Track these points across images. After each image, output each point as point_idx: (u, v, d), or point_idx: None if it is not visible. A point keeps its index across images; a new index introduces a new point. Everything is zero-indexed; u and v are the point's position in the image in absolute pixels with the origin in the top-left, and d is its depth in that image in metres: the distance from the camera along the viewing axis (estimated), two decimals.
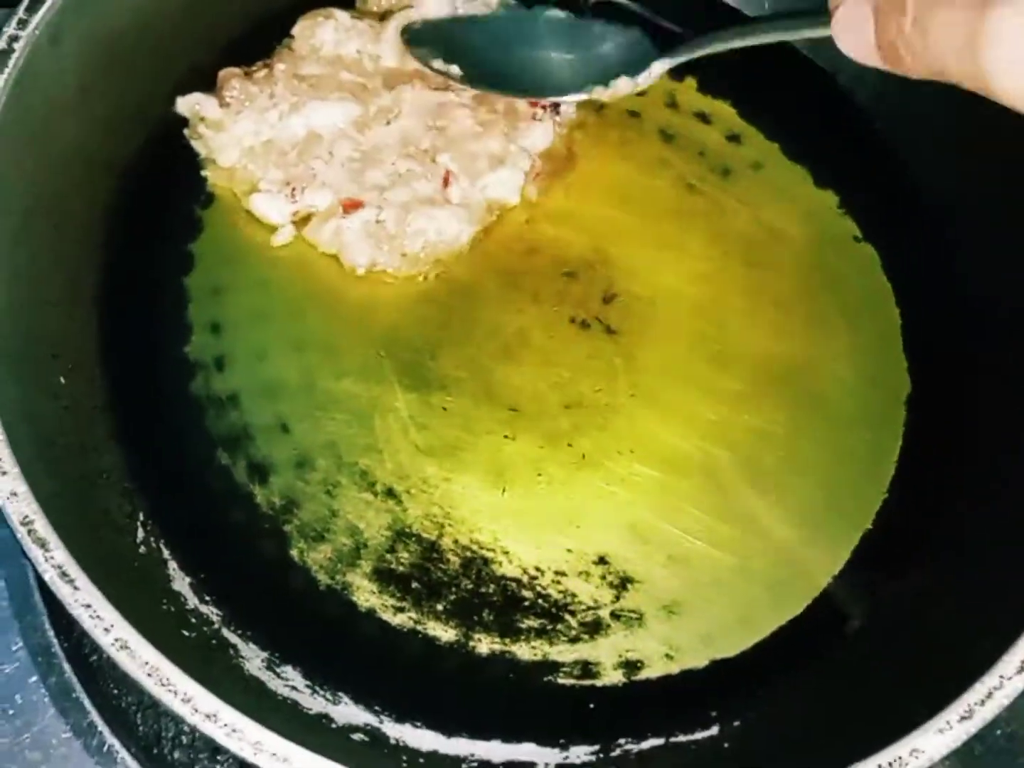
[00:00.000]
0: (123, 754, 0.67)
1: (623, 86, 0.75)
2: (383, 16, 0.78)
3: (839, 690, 0.64)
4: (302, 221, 0.75)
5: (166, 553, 0.65)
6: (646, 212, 0.78)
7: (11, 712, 0.67)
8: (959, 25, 0.48)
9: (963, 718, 0.54)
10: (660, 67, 0.75)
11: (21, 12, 0.65)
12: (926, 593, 0.67)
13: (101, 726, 0.67)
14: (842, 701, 0.64)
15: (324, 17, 0.77)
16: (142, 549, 0.65)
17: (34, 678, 0.68)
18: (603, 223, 0.77)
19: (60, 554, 0.54)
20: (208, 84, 0.76)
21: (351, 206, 0.74)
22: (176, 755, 0.66)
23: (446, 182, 0.74)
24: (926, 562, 0.68)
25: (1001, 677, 0.55)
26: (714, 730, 0.64)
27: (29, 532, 0.54)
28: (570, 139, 0.79)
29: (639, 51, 0.76)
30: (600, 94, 0.76)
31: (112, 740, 0.67)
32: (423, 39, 0.77)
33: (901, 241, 0.78)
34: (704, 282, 0.76)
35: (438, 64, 0.76)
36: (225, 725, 0.52)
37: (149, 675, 0.52)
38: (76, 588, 0.53)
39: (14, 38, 0.65)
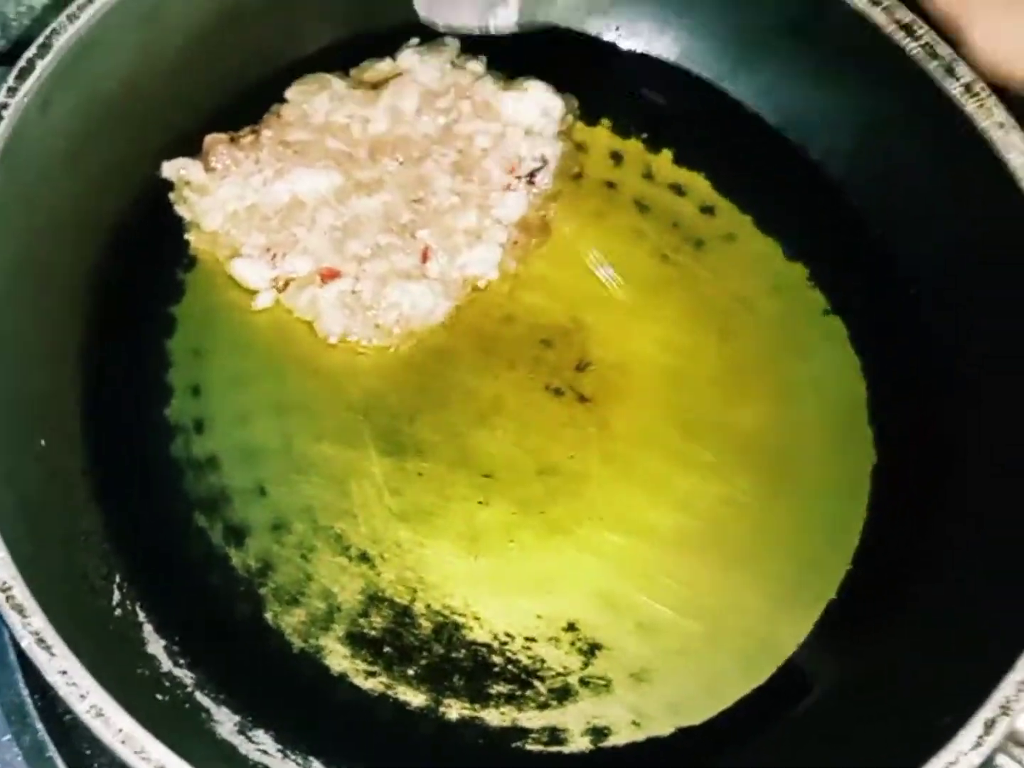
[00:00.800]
0: None
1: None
2: (376, 86, 0.79)
3: (804, 756, 0.65)
4: (283, 286, 0.76)
5: (141, 616, 0.66)
6: (621, 282, 0.79)
7: None
8: None
9: None
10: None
11: (11, 80, 0.67)
12: (889, 661, 0.68)
13: None
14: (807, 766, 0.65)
15: (320, 85, 0.78)
16: (118, 612, 0.66)
17: (7, 736, 0.69)
18: (579, 292, 0.78)
19: (37, 620, 0.55)
20: (194, 149, 0.78)
21: (329, 276, 0.75)
22: None
23: (425, 257, 0.76)
24: (890, 631, 0.69)
25: (958, 752, 0.56)
26: None
27: (7, 599, 0.55)
28: (545, 208, 0.80)
29: None
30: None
31: None
32: None
33: (869, 314, 0.79)
34: (677, 351, 0.77)
35: None
36: None
37: (123, 743, 0.53)
38: (53, 655, 0.54)
39: (3, 105, 0.66)
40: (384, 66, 0.82)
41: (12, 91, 0.66)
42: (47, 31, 0.68)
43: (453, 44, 0.83)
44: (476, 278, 0.77)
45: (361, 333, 0.75)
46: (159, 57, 0.75)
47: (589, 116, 0.83)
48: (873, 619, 0.70)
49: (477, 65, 0.82)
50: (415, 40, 0.83)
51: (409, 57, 0.82)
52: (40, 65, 0.67)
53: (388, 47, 0.83)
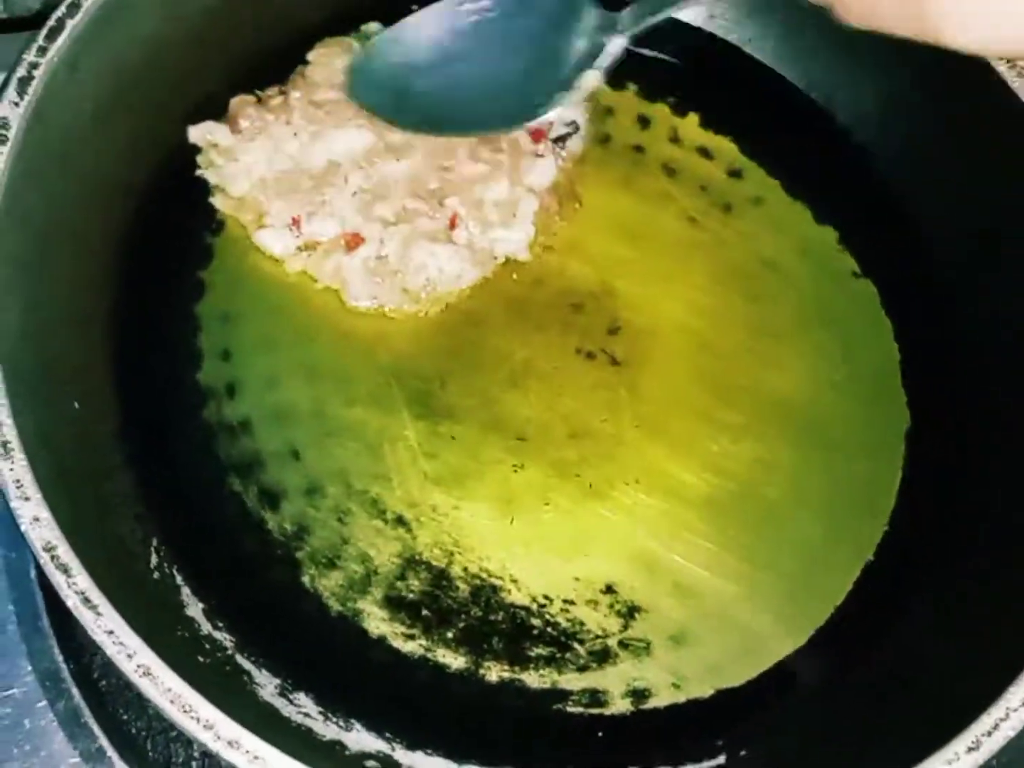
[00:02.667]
0: None
1: (590, 81, 0.73)
2: None
3: (847, 718, 0.65)
4: (310, 249, 0.75)
5: (179, 579, 0.66)
6: (650, 245, 0.79)
7: (19, 738, 0.67)
8: None
9: (970, 749, 0.55)
10: (616, 47, 0.72)
11: (41, 39, 0.66)
12: (929, 625, 0.68)
13: (111, 752, 0.67)
14: (850, 729, 0.65)
15: (342, 49, 0.78)
16: (156, 575, 0.65)
17: (42, 703, 0.68)
18: (608, 256, 0.78)
19: (83, 580, 0.54)
20: (221, 111, 0.77)
21: (354, 242, 0.74)
22: None
23: (453, 224, 0.75)
24: (928, 594, 0.69)
25: (1007, 709, 0.56)
26: (721, 759, 0.65)
27: (52, 558, 0.54)
28: (574, 173, 0.80)
29: (591, 32, 0.73)
30: (570, 100, 0.74)
31: (121, 765, 0.67)
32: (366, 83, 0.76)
33: (900, 277, 0.79)
34: (706, 315, 0.77)
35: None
36: (247, 752, 0.52)
37: (172, 702, 0.53)
38: (99, 614, 0.54)
39: (34, 65, 0.65)
40: None
41: (42, 50, 0.65)
42: None
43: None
44: (507, 255, 0.76)
45: (389, 299, 0.75)
46: (184, 19, 0.75)
47: (615, 80, 0.82)
48: (912, 581, 0.70)
49: None
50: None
51: None
52: (69, 24, 0.66)
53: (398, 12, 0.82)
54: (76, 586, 0.54)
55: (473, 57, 0.75)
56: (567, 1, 0.73)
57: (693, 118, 0.83)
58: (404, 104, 0.75)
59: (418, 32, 0.75)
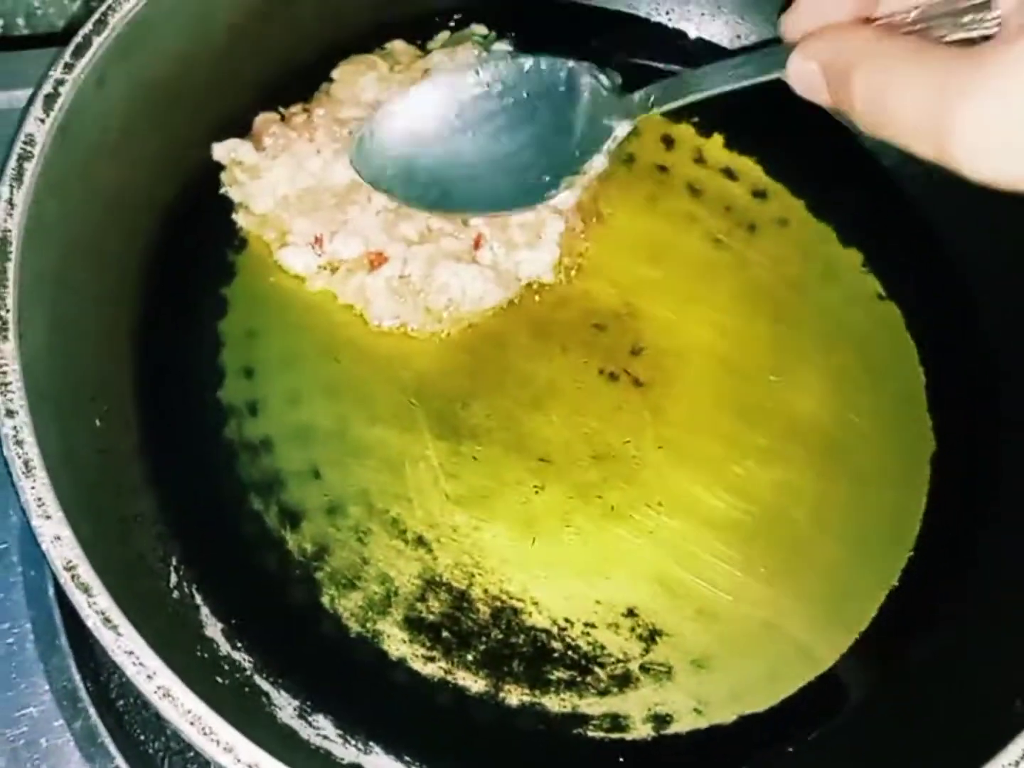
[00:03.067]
0: None
1: (597, 165, 0.74)
2: (425, 70, 0.79)
3: (873, 746, 0.64)
4: (333, 270, 0.75)
5: (198, 598, 0.65)
6: (674, 266, 0.78)
7: (36, 757, 0.67)
8: (923, 109, 0.48)
9: None
10: (623, 130, 0.73)
11: (67, 56, 0.66)
12: (955, 649, 0.67)
13: None
14: (877, 755, 0.64)
15: (367, 66, 0.78)
16: (175, 594, 0.65)
17: (59, 722, 0.68)
18: (631, 276, 0.78)
19: (103, 600, 0.54)
20: (245, 129, 0.77)
21: (377, 261, 0.74)
22: None
23: (477, 244, 0.75)
24: (954, 618, 0.68)
25: None
26: None
27: (73, 577, 0.54)
28: (598, 192, 0.79)
29: (599, 114, 0.73)
30: (579, 184, 0.75)
31: None
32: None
33: (925, 300, 0.79)
34: (731, 337, 0.77)
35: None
36: None
37: (191, 724, 0.52)
38: (119, 634, 0.53)
39: (60, 82, 0.65)
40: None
41: (69, 67, 0.65)
42: (103, 7, 0.67)
43: (481, 31, 0.82)
44: (532, 279, 0.76)
45: (412, 318, 0.74)
46: (210, 37, 0.75)
47: None
48: (936, 606, 0.69)
49: (507, 47, 0.82)
50: (444, 34, 0.83)
51: (438, 57, 0.81)
52: (96, 41, 0.66)
53: (422, 31, 0.84)
54: (96, 606, 0.54)
55: (479, 133, 0.74)
56: (574, 81, 0.74)
57: (717, 139, 0.83)
58: (408, 180, 0.74)
59: (422, 105, 0.75)
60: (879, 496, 0.72)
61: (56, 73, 0.65)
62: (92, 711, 0.68)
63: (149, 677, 0.53)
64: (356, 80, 0.78)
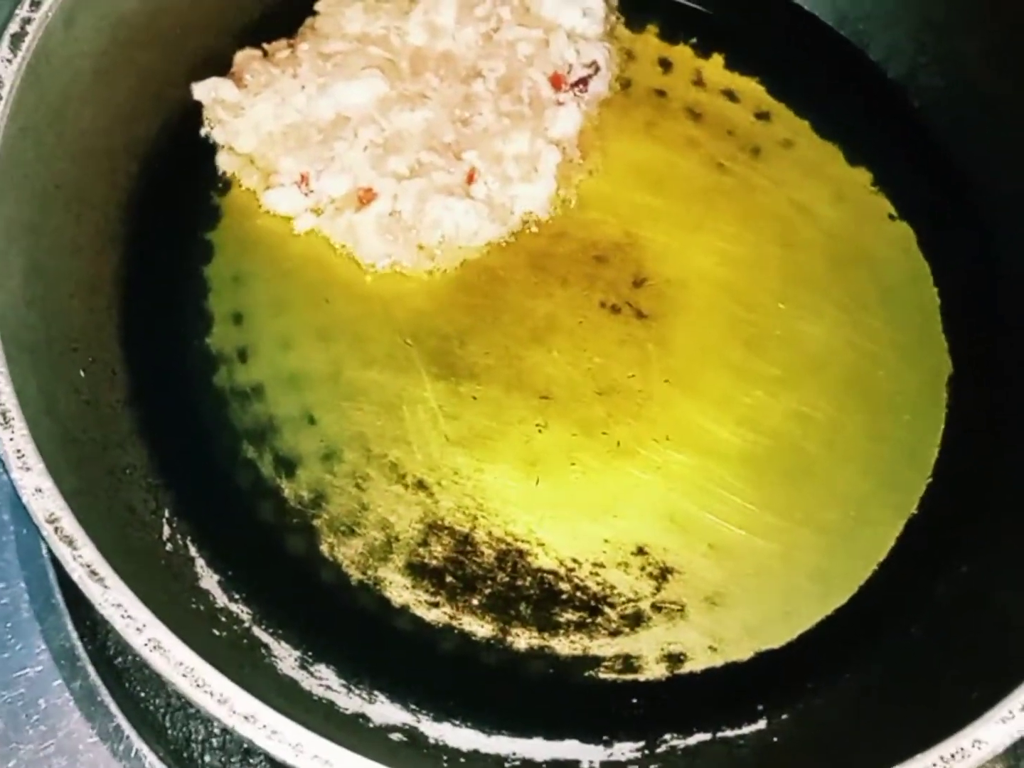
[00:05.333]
0: (151, 759, 0.65)
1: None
2: None
3: (892, 680, 0.62)
4: (320, 208, 0.73)
5: (193, 550, 0.64)
6: (675, 193, 0.76)
7: (35, 717, 0.65)
8: None
9: None
10: None
11: None
12: (976, 579, 0.65)
13: (128, 730, 0.65)
14: (896, 691, 0.62)
15: None
16: (168, 546, 0.63)
17: (58, 681, 0.66)
18: (632, 205, 0.75)
19: (88, 552, 0.52)
20: (224, 68, 0.74)
21: (366, 197, 0.71)
22: (206, 759, 0.64)
23: (471, 179, 0.72)
24: (974, 547, 0.66)
25: None
26: (761, 724, 0.62)
27: (56, 530, 0.52)
28: (596, 120, 0.76)
29: None
30: None
31: (140, 744, 0.65)
32: None
33: (937, 218, 0.76)
34: (737, 264, 0.74)
35: None
36: (264, 727, 0.50)
37: (184, 676, 0.50)
38: (106, 587, 0.51)
39: (27, 20, 0.62)
40: None
41: (35, 5, 0.63)
42: None
43: None
44: (528, 213, 0.73)
45: (404, 256, 0.72)
46: None
47: (634, 22, 0.79)
48: (956, 535, 0.67)
49: None
50: None
51: None
52: None
53: None
54: (81, 558, 0.52)
55: None
56: None
57: (717, 59, 0.79)
58: None
59: None
60: (895, 422, 0.70)
61: (23, 11, 0.63)
62: (91, 670, 0.66)
63: (138, 630, 0.51)
64: (341, 11, 0.75)
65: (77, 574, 0.52)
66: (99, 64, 0.67)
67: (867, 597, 0.65)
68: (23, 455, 0.53)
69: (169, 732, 0.65)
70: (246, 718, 0.50)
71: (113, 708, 0.66)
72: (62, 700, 0.66)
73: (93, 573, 0.51)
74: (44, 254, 0.63)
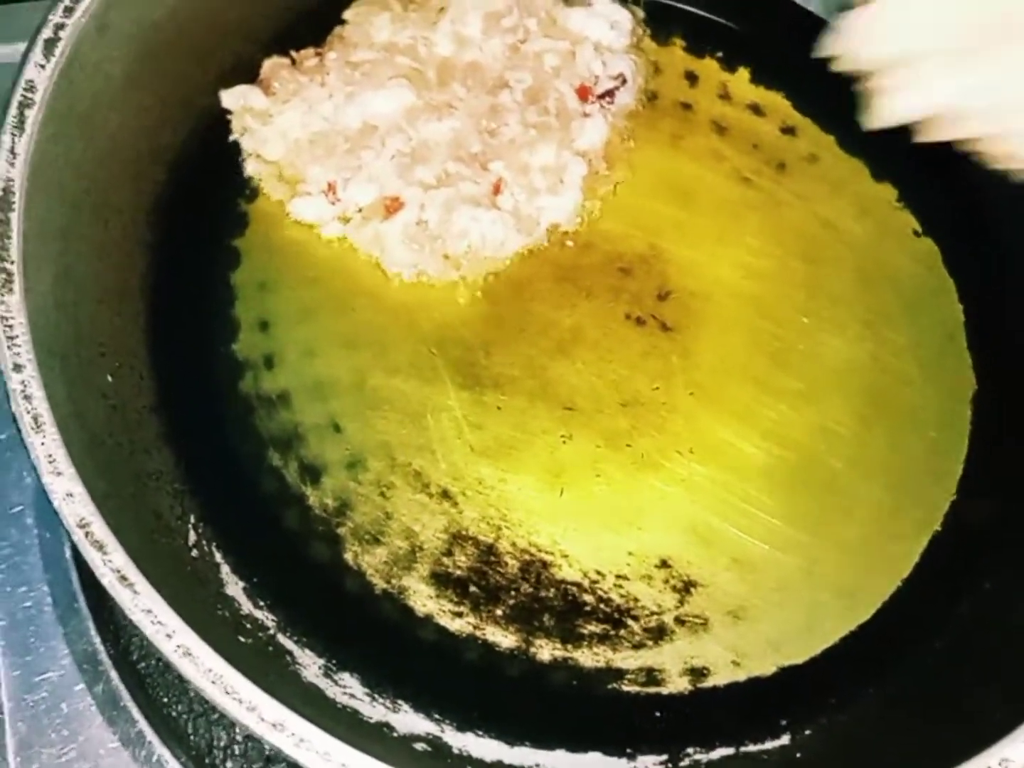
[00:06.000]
0: (173, 764, 0.65)
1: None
2: (441, 8, 0.76)
3: (916, 696, 0.62)
4: (348, 215, 0.73)
5: (218, 556, 0.64)
6: (701, 206, 0.76)
7: (57, 722, 0.65)
8: None
9: None
10: None
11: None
12: (1000, 595, 0.65)
13: (150, 736, 0.65)
14: (920, 707, 0.62)
15: (380, 7, 0.75)
16: (194, 552, 0.63)
17: (80, 686, 0.66)
18: (657, 218, 0.75)
19: (119, 557, 0.52)
20: (253, 75, 0.74)
21: (393, 207, 0.72)
22: (228, 765, 0.64)
23: (497, 189, 0.72)
24: (999, 562, 0.66)
25: None
26: (785, 739, 0.62)
27: (87, 535, 0.52)
28: (623, 130, 0.76)
29: None
30: None
31: (162, 750, 0.65)
32: None
33: (962, 234, 0.76)
34: (761, 278, 0.74)
35: None
36: (292, 735, 0.50)
37: (213, 683, 0.50)
38: (136, 593, 0.51)
39: (60, 26, 0.63)
40: None
41: (69, 11, 0.63)
42: None
43: None
44: (554, 225, 0.73)
45: (430, 266, 0.72)
46: None
47: (660, 35, 0.80)
48: (980, 551, 0.67)
49: None
50: None
51: None
52: None
53: None
54: (112, 564, 0.52)
55: None
56: None
57: (743, 73, 0.80)
58: None
59: None
60: (919, 438, 0.70)
61: (56, 17, 0.63)
62: (113, 674, 0.66)
63: (168, 636, 0.51)
64: (370, 21, 0.75)
65: (107, 579, 0.52)
66: (130, 70, 0.67)
67: (891, 613, 0.65)
68: (54, 460, 0.53)
69: (191, 738, 0.65)
70: (274, 726, 0.50)
71: (135, 713, 0.66)
72: (84, 705, 0.66)
73: (123, 578, 0.52)
74: (73, 259, 0.63)
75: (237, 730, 0.64)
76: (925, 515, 0.68)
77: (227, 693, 0.50)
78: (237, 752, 0.64)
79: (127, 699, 0.66)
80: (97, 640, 0.67)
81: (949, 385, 0.72)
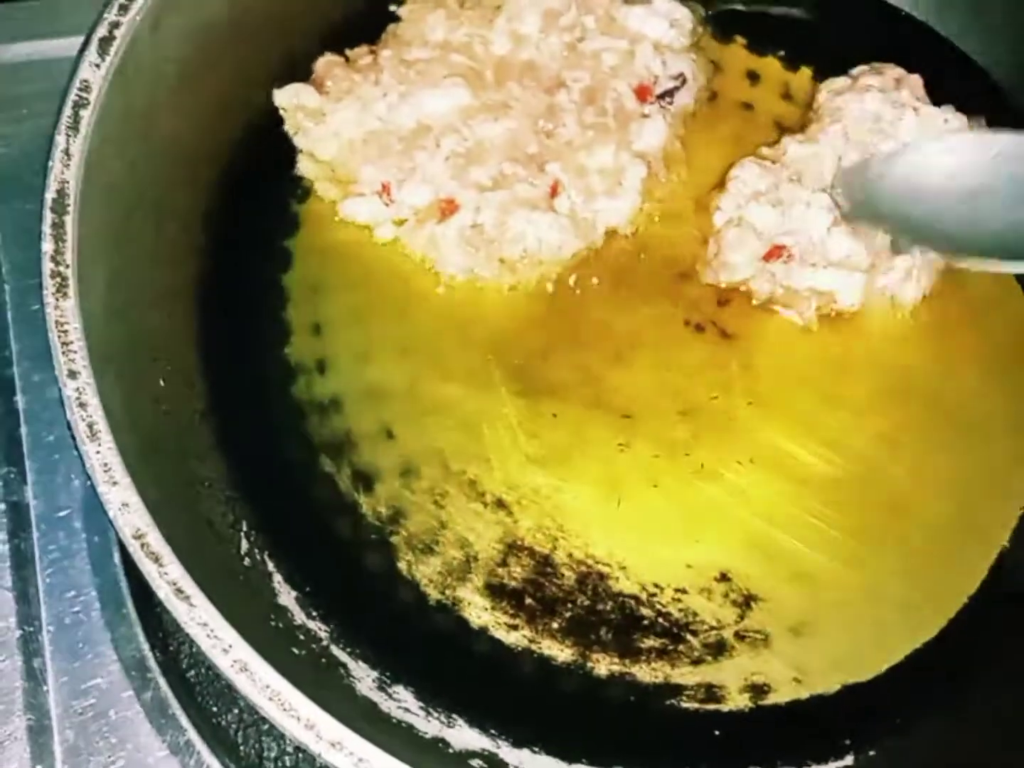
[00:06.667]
0: None
1: None
2: (497, 6, 0.74)
3: (984, 718, 0.61)
4: (401, 219, 0.72)
5: (271, 565, 0.63)
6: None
7: (105, 729, 0.64)
8: None
9: None
10: None
11: None
12: None
13: (199, 745, 0.64)
14: (988, 730, 0.60)
15: (435, 3, 0.74)
16: (247, 561, 0.62)
17: (128, 693, 0.65)
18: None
19: (175, 569, 0.51)
20: (306, 74, 0.73)
21: (448, 209, 0.70)
22: None
23: (554, 192, 0.71)
24: None
25: None
26: (848, 760, 0.61)
27: (142, 546, 0.51)
28: (682, 133, 0.75)
29: None
30: None
31: (211, 760, 0.64)
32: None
33: None
34: None
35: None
36: (351, 754, 0.49)
37: (270, 699, 0.49)
38: (192, 605, 0.50)
39: (115, 24, 0.62)
40: None
41: (123, 9, 0.62)
42: None
43: None
44: (612, 228, 0.72)
45: (485, 269, 0.71)
46: None
47: (722, 33, 0.78)
48: None
49: None
50: None
51: None
52: None
53: None
54: (168, 576, 0.51)
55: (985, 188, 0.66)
56: None
57: (805, 72, 0.78)
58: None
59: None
60: (985, 449, 0.68)
61: (111, 15, 0.62)
62: (162, 681, 0.66)
63: (225, 651, 0.50)
64: (424, 18, 0.74)
65: (163, 592, 0.51)
66: (183, 69, 0.67)
67: (957, 630, 0.63)
68: (110, 469, 0.53)
69: (241, 748, 0.64)
70: (333, 745, 0.49)
71: (184, 721, 0.65)
72: (132, 712, 0.65)
73: (179, 591, 0.51)
74: (126, 263, 0.62)
75: (287, 741, 0.63)
76: (992, 530, 0.66)
77: (285, 710, 0.49)
78: (288, 763, 0.63)
79: (176, 707, 0.65)
80: (146, 647, 0.66)
81: (1018, 393, 0.70)
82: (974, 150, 0.66)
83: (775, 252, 0.69)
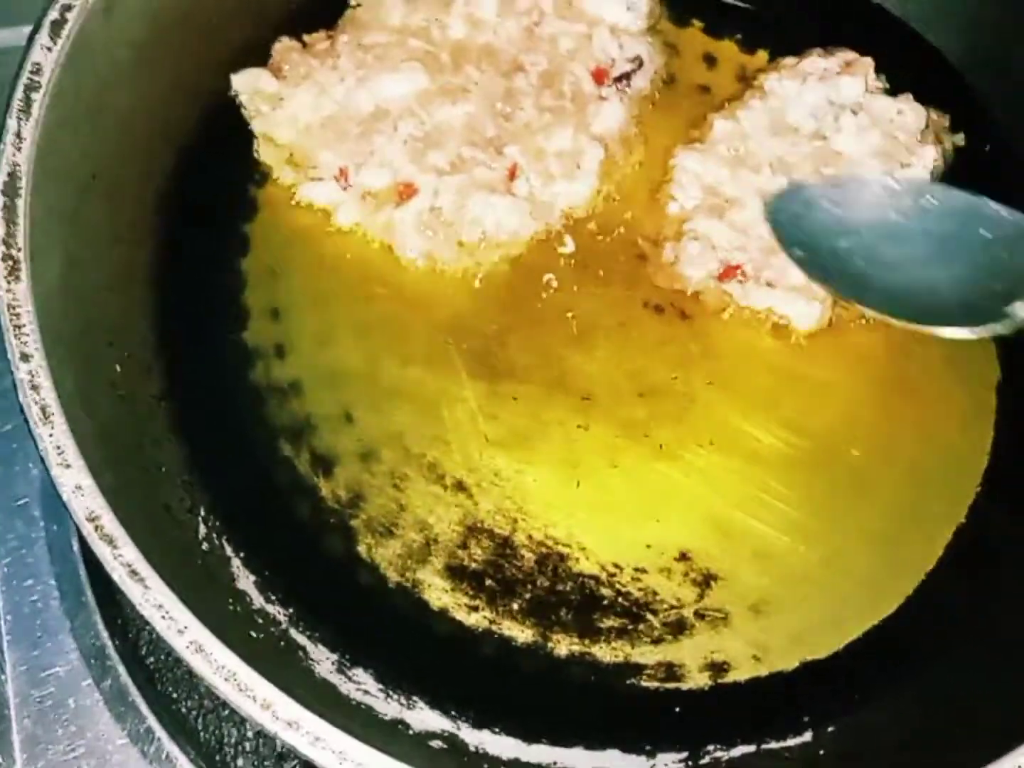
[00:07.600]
0: (182, 761, 0.64)
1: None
2: None
3: (943, 692, 0.61)
4: (360, 201, 0.71)
5: (229, 550, 0.62)
6: None
7: (64, 718, 0.64)
8: None
9: None
10: None
11: None
12: None
13: (159, 732, 0.64)
14: (946, 704, 0.61)
15: None
16: (205, 546, 0.62)
17: (88, 681, 0.65)
18: None
19: (129, 551, 0.51)
20: (263, 58, 0.73)
21: (407, 192, 0.70)
22: (239, 762, 0.63)
23: (512, 175, 0.71)
24: None
25: None
26: (807, 736, 0.61)
27: (96, 528, 0.51)
28: (640, 114, 0.75)
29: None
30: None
31: (171, 747, 0.64)
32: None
33: None
34: None
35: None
36: (307, 733, 0.49)
37: (226, 680, 0.49)
38: (147, 587, 0.50)
39: (67, 7, 0.61)
40: None
41: None
42: None
43: None
44: (569, 210, 0.72)
45: (444, 253, 0.70)
46: None
47: (679, 17, 0.78)
48: (1005, 544, 0.66)
49: None
50: None
51: None
52: None
53: None
54: (122, 558, 0.51)
55: (910, 240, 0.65)
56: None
57: (762, 55, 0.78)
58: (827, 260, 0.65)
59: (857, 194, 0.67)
60: (943, 428, 0.69)
61: None
62: (121, 669, 0.65)
63: (180, 631, 0.50)
64: (382, 3, 0.73)
65: (117, 574, 0.50)
66: (138, 54, 0.66)
67: (915, 606, 0.64)
68: (63, 451, 0.52)
69: (201, 734, 0.64)
70: (289, 724, 0.49)
71: (144, 709, 0.65)
72: (92, 700, 0.65)
73: (134, 573, 0.50)
74: (81, 245, 0.62)
75: (248, 727, 0.63)
76: (950, 506, 0.67)
77: (241, 690, 0.49)
78: (248, 749, 0.63)
79: (135, 695, 0.65)
80: (105, 635, 0.66)
81: (973, 374, 0.70)
82: (905, 195, 0.66)
83: (729, 272, 0.69)
